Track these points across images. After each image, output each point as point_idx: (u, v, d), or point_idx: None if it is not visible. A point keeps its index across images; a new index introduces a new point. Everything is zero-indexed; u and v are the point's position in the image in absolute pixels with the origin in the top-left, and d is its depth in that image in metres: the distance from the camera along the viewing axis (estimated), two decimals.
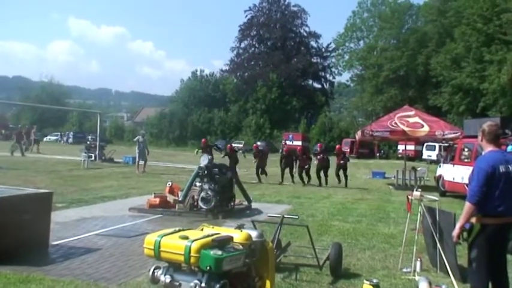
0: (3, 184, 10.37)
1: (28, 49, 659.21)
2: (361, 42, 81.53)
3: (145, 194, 15.42)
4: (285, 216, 7.61)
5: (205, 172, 12.89)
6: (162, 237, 4.45)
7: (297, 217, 8.19)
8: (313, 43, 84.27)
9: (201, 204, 12.58)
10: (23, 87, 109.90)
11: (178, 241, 4.36)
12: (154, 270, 4.54)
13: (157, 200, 13.10)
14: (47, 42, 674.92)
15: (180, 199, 12.69)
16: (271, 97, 75.43)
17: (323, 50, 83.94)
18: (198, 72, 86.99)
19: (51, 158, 33.98)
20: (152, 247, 4.43)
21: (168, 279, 4.43)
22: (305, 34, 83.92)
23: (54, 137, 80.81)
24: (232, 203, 13.39)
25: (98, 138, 34.38)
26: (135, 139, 27.71)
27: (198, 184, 12.85)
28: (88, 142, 36.05)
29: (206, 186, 12.65)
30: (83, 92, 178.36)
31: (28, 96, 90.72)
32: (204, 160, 13.08)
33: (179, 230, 4.68)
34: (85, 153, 28.95)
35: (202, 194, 12.58)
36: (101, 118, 39.80)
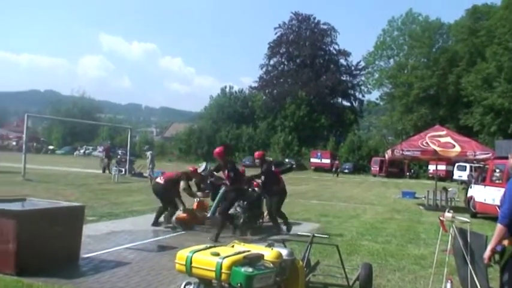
0: (35, 197, 10.52)
1: (60, 63, 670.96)
2: (391, 61, 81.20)
3: None
4: (315, 235, 7.57)
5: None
6: (194, 253, 4.49)
7: (327, 236, 8.16)
8: (342, 61, 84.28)
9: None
10: (54, 101, 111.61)
11: (210, 257, 4.39)
12: (185, 285, 4.57)
13: (186, 216, 13.15)
14: (79, 57, 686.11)
15: (208, 215, 12.72)
16: (299, 114, 75.40)
17: (352, 68, 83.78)
18: (227, 89, 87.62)
19: (82, 171, 34.39)
20: (184, 262, 4.46)
21: None
22: (334, 52, 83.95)
23: (86, 151, 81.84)
24: (260, 220, 13.37)
25: (128, 153, 34.71)
26: (148, 154, 29.11)
27: None
28: (118, 156, 36.42)
29: (235, 203, 12.66)
30: (113, 107, 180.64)
31: (59, 110, 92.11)
32: (201, 167, 13.30)
33: (210, 246, 4.71)
34: (115, 167, 29.29)
35: (231, 210, 12.60)
36: (131, 133, 40.24)
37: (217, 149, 12.23)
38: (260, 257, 4.65)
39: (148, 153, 30.69)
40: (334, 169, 57.60)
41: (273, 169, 13.01)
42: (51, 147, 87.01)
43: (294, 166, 14.41)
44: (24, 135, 29.52)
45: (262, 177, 12.69)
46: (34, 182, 22.99)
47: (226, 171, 11.79)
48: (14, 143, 75.41)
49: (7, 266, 7.29)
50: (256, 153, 13.48)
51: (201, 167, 13.29)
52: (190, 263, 4.42)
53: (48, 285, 6.92)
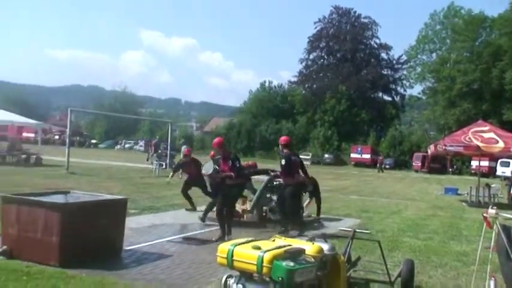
0: (78, 190, 10.69)
1: (102, 59, 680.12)
2: (434, 55, 79.95)
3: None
4: (357, 230, 7.51)
5: (274, 183, 12.91)
6: (235, 246, 4.50)
7: (369, 232, 8.09)
8: (383, 55, 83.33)
9: (270, 215, 12.61)
10: (96, 96, 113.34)
11: (251, 251, 4.40)
12: (226, 278, 4.59)
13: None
14: (121, 52, 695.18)
15: (249, 209, 12.75)
16: (339, 109, 74.92)
17: (394, 62, 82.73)
18: (267, 84, 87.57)
19: (123, 165, 34.83)
20: (225, 256, 4.48)
21: None
22: (375, 46, 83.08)
23: (128, 145, 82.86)
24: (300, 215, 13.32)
25: (168, 147, 35.00)
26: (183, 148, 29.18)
27: (267, 195, 12.85)
28: (159, 151, 36.72)
29: (275, 197, 12.65)
30: (154, 102, 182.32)
31: (102, 105, 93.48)
32: (208, 168, 11.33)
33: (252, 240, 4.72)
34: (156, 161, 29.58)
35: (271, 205, 12.61)
36: (172, 127, 40.53)
37: (216, 139, 11.21)
38: (301, 251, 4.64)
39: (183, 147, 30.77)
40: (378, 165, 57.08)
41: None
42: (93, 141, 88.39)
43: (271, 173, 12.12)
44: (67, 129, 30.01)
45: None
46: (77, 175, 23.39)
47: (229, 162, 10.52)
48: (57, 137, 76.72)
49: (51, 258, 7.44)
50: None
51: (207, 168, 11.30)
52: (232, 256, 4.44)
53: (91, 276, 7.03)
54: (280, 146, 11.93)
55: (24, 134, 65.61)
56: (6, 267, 7.15)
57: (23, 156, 30.40)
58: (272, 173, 12.71)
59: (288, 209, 11.41)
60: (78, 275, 7.05)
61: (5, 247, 7.78)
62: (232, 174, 10.49)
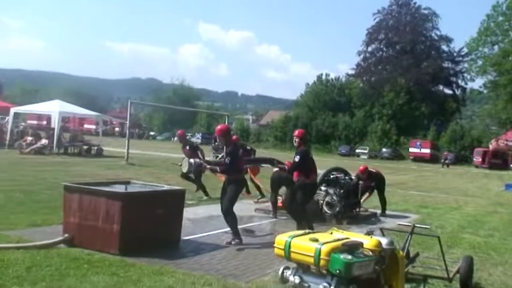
0: (138, 180, 10.86)
1: (161, 52, 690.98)
2: (496, 47, 77.71)
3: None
4: (416, 225, 7.39)
5: (331, 176, 12.87)
6: (293, 238, 4.50)
7: (428, 227, 7.96)
8: (444, 47, 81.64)
9: (325, 208, 12.56)
10: (155, 88, 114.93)
11: (309, 243, 4.39)
12: (283, 270, 4.60)
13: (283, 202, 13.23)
14: (179, 46, 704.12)
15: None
16: (398, 102, 73.80)
17: (455, 54, 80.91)
18: (324, 76, 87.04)
19: (181, 157, 35.23)
20: (282, 247, 4.49)
21: (297, 280, 4.47)
22: (436, 38, 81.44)
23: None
24: (357, 209, 13.24)
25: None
26: None
27: (323, 188, 12.80)
28: (216, 143, 36.99)
29: (331, 191, 12.59)
30: (211, 95, 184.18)
31: (160, 98, 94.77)
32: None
33: (309, 232, 4.71)
34: (213, 153, 29.86)
35: (327, 198, 12.56)
36: (228, 120, 40.83)
37: (219, 126, 9.96)
38: (359, 244, 4.59)
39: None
40: (443, 160, 56.03)
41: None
42: (152, 133, 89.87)
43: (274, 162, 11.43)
44: (127, 121, 30.59)
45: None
46: (137, 166, 23.83)
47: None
48: (117, 129, 78.33)
49: (111, 246, 7.61)
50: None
51: (184, 165, 10.41)
52: (289, 247, 4.45)
53: (151, 265, 7.16)
54: (296, 140, 10.51)
55: (86, 126, 67.41)
56: (67, 255, 7.34)
57: (85, 147, 31.15)
58: (279, 165, 12.05)
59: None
60: (138, 263, 7.19)
61: (66, 235, 7.99)
62: (217, 168, 9.92)
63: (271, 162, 12.78)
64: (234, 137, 15.62)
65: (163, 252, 7.78)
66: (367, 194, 14.21)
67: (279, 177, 12.28)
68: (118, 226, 7.56)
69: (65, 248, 7.78)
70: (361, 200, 13.52)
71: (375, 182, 14.44)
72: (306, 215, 10.36)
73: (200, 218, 11.27)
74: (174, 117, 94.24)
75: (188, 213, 11.01)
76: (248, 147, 16.53)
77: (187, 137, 22.78)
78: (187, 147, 15.65)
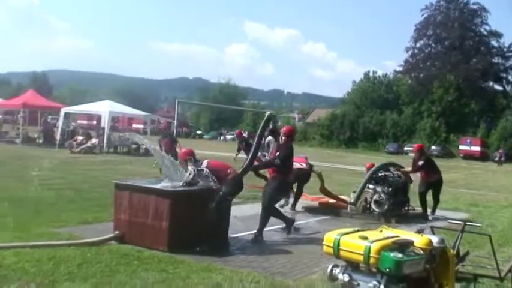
0: None
1: (207, 52, 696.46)
2: None
3: (316, 193, 15.52)
4: (467, 223, 7.25)
5: (379, 174, 12.74)
6: (342, 235, 4.47)
7: (480, 225, 7.81)
8: (494, 42, 79.55)
9: (373, 207, 12.45)
10: (202, 87, 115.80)
11: (358, 241, 4.35)
12: (332, 268, 4.57)
13: (330, 201, 13.19)
14: (225, 45, 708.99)
15: (352, 201, 12.63)
16: (447, 99, 72.37)
17: (505, 49, 78.86)
18: (371, 73, 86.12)
19: (226, 155, 35.42)
20: (331, 245, 4.46)
21: (346, 278, 4.44)
22: (485, 33, 79.54)
23: (231, 136, 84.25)
24: (406, 207, 13.07)
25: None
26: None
27: (371, 186, 12.68)
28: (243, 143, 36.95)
29: (379, 189, 12.46)
30: (257, 93, 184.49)
31: (207, 97, 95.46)
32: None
33: (358, 230, 4.67)
34: (259, 152, 29.88)
35: (375, 196, 12.43)
36: (274, 118, 40.84)
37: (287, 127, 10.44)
38: (410, 243, 4.54)
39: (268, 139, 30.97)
40: (498, 157, 54.84)
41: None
42: (199, 132, 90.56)
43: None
44: (175, 120, 30.91)
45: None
46: None
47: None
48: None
49: (160, 243, 7.71)
50: None
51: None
52: (338, 245, 4.42)
53: (199, 262, 7.23)
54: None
55: (134, 125, 68.30)
56: (117, 252, 7.47)
57: (134, 146, 31.61)
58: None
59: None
60: (186, 260, 7.27)
61: (116, 232, 8.13)
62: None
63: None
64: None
65: (210, 250, 7.84)
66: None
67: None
68: (167, 223, 7.66)
69: (116, 244, 7.92)
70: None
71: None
72: (274, 213, 9.83)
73: (247, 216, 11.28)
74: (220, 116, 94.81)
75: (235, 211, 11.02)
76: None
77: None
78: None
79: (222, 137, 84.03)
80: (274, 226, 10.39)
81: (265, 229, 9.88)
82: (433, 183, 13.57)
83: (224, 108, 78.29)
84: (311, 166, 13.50)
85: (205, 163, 8.64)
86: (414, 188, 13.83)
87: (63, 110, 34.81)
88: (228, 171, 8.75)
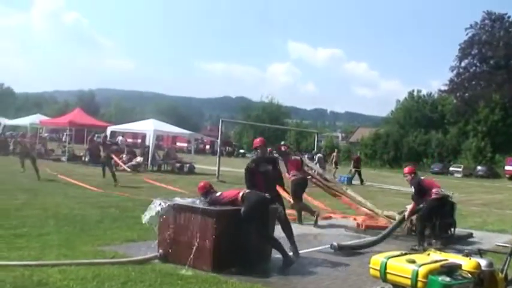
0: None
1: (250, 71, 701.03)
2: None
3: (360, 214, 15.36)
4: None
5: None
6: (389, 258, 4.41)
7: None
8: None
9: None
10: (244, 106, 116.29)
11: (406, 264, 4.29)
12: None
13: (374, 221, 13.05)
14: (268, 64, 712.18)
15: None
16: (493, 119, 71.10)
17: None
18: (415, 92, 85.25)
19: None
20: (378, 268, 4.40)
21: None
22: None
23: (274, 155, 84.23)
24: (452, 229, 12.80)
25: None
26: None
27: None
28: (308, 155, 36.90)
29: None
30: (300, 112, 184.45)
31: (249, 116, 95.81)
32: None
33: (406, 253, 4.60)
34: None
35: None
36: (317, 138, 40.76)
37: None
38: (458, 266, 4.45)
39: (317, 156, 31.71)
40: None
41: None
42: (241, 150, 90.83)
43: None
44: (218, 139, 31.04)
45: None
46: (227, 183, 24.09)
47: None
48: (208, 146, 79.77)
49: (204, 262, 7.71)
50: None
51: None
52: (385, 268, 4.36)
53: (242, 282, 7.20)
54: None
55: (178, 144, 69.00)
56: (161, 271, 7.49)
57: (177, 164, 31.89)
58: None
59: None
60: (229, 280, 7.25)
61: (160, 251, 8.17)
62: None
63: None
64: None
65: (254, 270, 7.81)
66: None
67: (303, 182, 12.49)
68: (211, 243, 7.66)
69: (159, 263, 7.95)
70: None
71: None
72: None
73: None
74: (263, 134, 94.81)
75: (279, 231, 11.00)
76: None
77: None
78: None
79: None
80: (320, 247, 10.33)
81: (308, 250, 9.83)
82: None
83: (267, 127, 78.32)
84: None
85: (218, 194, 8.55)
86: (460, 211, 13.57)
87: (109, 128, 35.41)
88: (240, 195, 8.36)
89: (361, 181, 32.15)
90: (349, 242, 10.75)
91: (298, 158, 15.05)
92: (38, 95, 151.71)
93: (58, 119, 44.04)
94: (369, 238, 11.35)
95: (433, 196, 11.41)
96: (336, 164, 35.76)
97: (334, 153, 37.25)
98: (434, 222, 11.53)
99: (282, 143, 17.28)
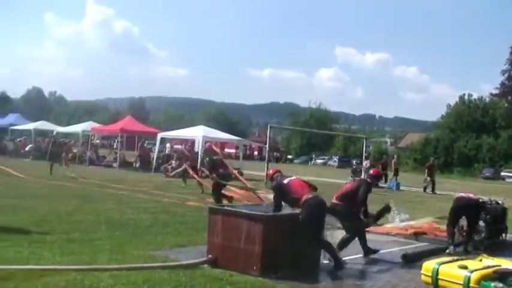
0: None
1: (298, 77, 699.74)
2: None
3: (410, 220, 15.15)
4: None
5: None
6: (441, 265, 4.36)
7: None
8: None
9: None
10: (292, 112, 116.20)
11: (458, 270, 4.23)
12: None
13: (424, 228, 12.87)
14: (315, 70, 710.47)
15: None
16: None
17: None
18: (466, 97, 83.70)
19: (318, 179, 35.27)
20: (430, 274, 4.37)
21: None
22: None
23: (321, 161, 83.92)
24: (504, 235, 12.52)
25: (363, 163, 34.80)
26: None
27: None
28: (354, 166, 36.65)
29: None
30: (348, 118, 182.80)
31: (297, 121, 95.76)
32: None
33: (458, 259, 4.54)
34: (351, 177, 29.67)
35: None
36: (366, 143, 40.41)
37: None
38: (511, 272, 4.36)
39: (365, 163, 31.48)
40: None
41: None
42: (289, 156, 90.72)
43: None
44: (267, 145, 31.08)
45: None
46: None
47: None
48: (256, 152, 79.97)
49: (252, 267, 7.73)
50: None
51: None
52: (437, 274, 4.31)
53: (290, 287, 7.19)
54: None
55: (226, 150, 69.35)
56: (210, 276, 7.54)
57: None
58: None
59: None
60: (278, 285, 7.26)
61: (210, 256, 8.23)
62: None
63: None
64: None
65: (302, 276, 7.79)
66: None
67: None
68: (259, 248, 7.68)
69: (209, 268, 7.99)
70: None
71: None
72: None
73: (337, 242, 11.15)
74: (311, 140, 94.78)
75: (327, 236, 10.95)
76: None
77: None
78: None
79: (312, 162, 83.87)
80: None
81: (354, 256, 9.75)
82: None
83: (314, 132, 78.07)
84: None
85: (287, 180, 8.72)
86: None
87: (160, 135, 35.87)
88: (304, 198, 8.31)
89: (432, 189, 30.15)
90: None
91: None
92: (89, 102, 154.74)
93: (110, 126, 44.86)
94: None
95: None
96: (397, 170, 34.61)
97: (394, 160, 36.33)
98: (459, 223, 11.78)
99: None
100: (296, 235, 8.01)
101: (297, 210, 8.33)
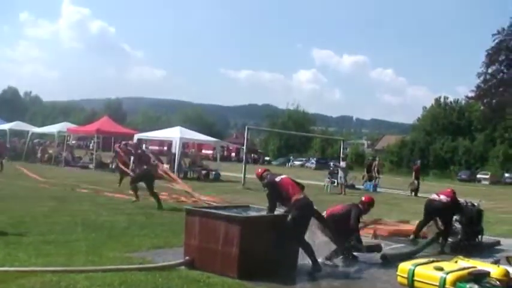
0: (255, 205, 10.93)
1: (276, 78, 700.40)
2: None
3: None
4: None
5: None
6: (416, 266, 4.39)
7: None
8: None
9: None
10: (270, 114, 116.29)
11: (433, 272, 4.27)
12: None
13: (401, 228, 12.96)
14: (293, 71, 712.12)
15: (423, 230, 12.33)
16: None
17: None
18: (442, 99, 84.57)
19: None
20: (406, 275, 4.39)
21: None
22: None
23: (299, 162, 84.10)
24: (480, 237, 12.65)
25: (340, 163, 34.89)
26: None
27: None
28: (331, 168, 36.73)
29: (453, 218, 12.13)
30: (325, 119, 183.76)
31: (275, 123, 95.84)
32: None
33: (433, 261, 4.58)
34: (328, 178, 29.77)
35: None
36: (343, 145, 40.62)
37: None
38: (486, 273, 4.41)
39: (342, 163, 31.56)
40: None
41: None
42: (267, 158, 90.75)
43: None
44: (244, 147, 31.05)
45: None
46: (253, 190, 24.10)
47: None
48: (234, 154, 79.98)
49: (230, 269, 7.73)
50: None
51: None
52: (413, 276, 4.34)
53: None
54: None
55: (204, 151, 69.28)
56: (187, 277, 7.51)
57: (203, 172, 32.00)
58: None
59: None
60: (256, 286, 7.26)
61: (187, 258, 8.20)
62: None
63: None
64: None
65: (280, 277, 7.80)
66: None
67: None
68: (237, 250, 7.68)
69: (186, 270, 7.97)
70: None
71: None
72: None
73: (317, 243, 11.16)
74: (288, 142, 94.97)
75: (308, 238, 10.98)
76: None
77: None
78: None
79: (289, 163, 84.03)
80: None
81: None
82: None
83: (292, 134, 78.23)
84: None
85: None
86: (487, 218, 13.42)
87: (136, 136, 35.64)
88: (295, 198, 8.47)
89: (416, 191, 29.99)
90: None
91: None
92: (65, 103, 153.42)
93: (86, 127, 44.52)
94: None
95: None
96: (378, 172, 34.68)
97: (376, 162, 36.40)
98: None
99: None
100: (276, 236, 8.02)
101: (282, 209, 8.38)
